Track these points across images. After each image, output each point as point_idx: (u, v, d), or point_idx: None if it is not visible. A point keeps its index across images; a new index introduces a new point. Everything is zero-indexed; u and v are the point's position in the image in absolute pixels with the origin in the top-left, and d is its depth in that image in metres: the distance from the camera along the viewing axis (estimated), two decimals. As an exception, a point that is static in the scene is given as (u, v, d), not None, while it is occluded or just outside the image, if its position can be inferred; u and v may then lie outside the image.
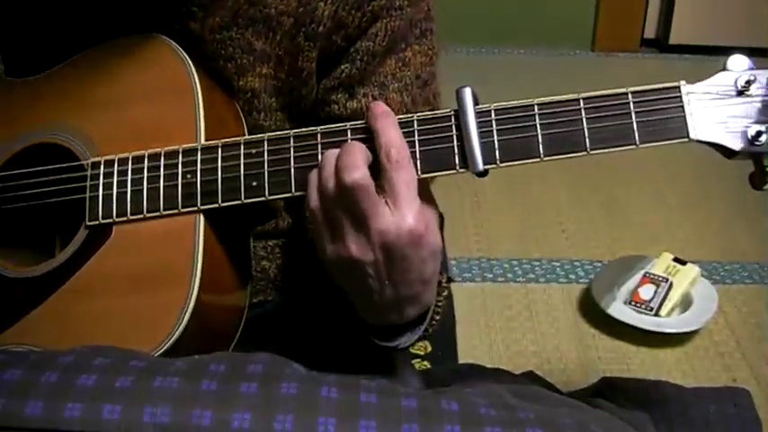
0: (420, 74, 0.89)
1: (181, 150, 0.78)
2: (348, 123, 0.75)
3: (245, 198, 0.77)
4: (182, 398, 0.62)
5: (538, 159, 0.73)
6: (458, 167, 0.73)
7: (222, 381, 0.64)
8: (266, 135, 0.77)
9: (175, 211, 0.78)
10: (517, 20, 2.79)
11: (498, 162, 0.72)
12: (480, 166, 0.72)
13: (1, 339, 0.79)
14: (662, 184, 2.04)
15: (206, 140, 0.78)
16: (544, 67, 2.69)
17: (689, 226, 1.91)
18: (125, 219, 0.78)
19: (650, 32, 2.82)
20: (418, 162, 0.73)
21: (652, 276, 1.61)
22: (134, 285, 0.77)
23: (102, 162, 0.80)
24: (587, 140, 0.72)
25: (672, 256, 1.65)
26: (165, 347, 0.74)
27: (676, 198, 2.01)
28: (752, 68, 0.72)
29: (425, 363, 1.46)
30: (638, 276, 1.63)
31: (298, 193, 0.75)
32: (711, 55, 2.69)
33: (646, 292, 1.59)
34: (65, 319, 0.78)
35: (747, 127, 0.71)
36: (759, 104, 0.71)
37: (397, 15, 0.86)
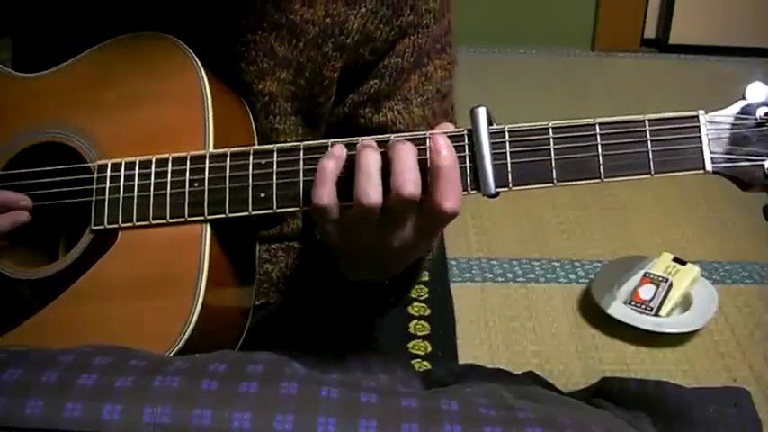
0: (440, 88, 0.91)
1: (189, 157, 0.77)
2: (359, 138, 0.74)
3: (253, 210, 0.76)
4: (182, 397, 0.62)
5: (551, 185, 0.72)
6: (469, 189, 0.72)
7: (222, 380, 0.64)
8: (276, 146, 0.76)
9: (182, 219, 0.77)
10: (517, 20, 2.79)
11: (510, 185, 0.72)
12: (492, 190, 0.71)
13: (2, 341, 0.79)
14: (662, 183, 2.04)
15: (214, 144, 0.78)
16: (544, 67, 2.68)
17: (689, 226, 1.91)
18: (131, 224, 0.78)
19: (650, 32, 2.82)
20: None
21: (652, 276, 1.61)
22: (139, 292, 0.76)
23: (109, 165, 0.79)
24: (602, 168, 0.71)
25: (672, 256, 1.65)
26: (171, 354, 0.73)
27: (676, 198, 2.01)
28: None
29: (425, 363, 1.46)
30: (638, 276, 1.63)
31: (306, 208, 0.74)
32: (711, 55, 2.69)
33: (646, 292, 1.59)
34: (67, 323, 0.78)
35: (764, 160, 0.70)
36: None
37: (423, 33, 0.87)
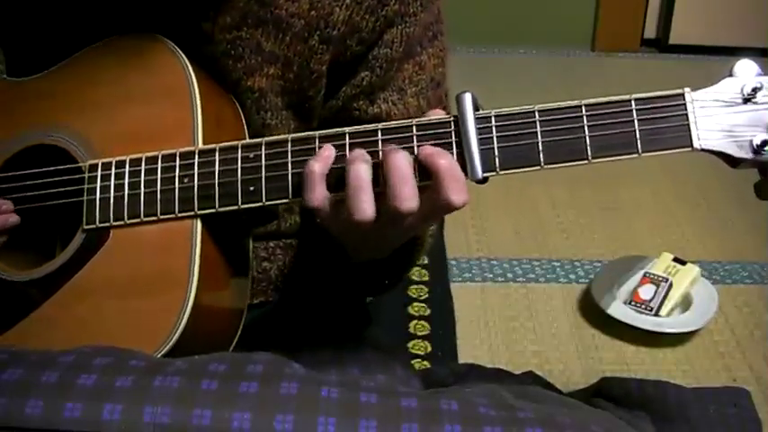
0: (434, 76, 0.91)
1: (178, 154, 0.78)
2: (347, 128, 0.74)
3: (243, 203, 0.76)
4: (182, 398, 0.62)
5: (538, 167, 0.72)
6: None
7: (222, 380, 0.64)
8: (264, 139, 0.76)
9: (172, 215, 0.77)
10: (517, 20, 2.79)
11: (498, 170, 0.72)
12: (480, 174, 0.71)
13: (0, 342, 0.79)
14: (662, 183, 2.04)
15: (204, 142, 0.78)
16: (544, 67, 2.69)
17: (689, 226, 1.91)
18: (122, 223, 0.78)
19: (650, 32, 2.82)
20: (416, 169, 0.72)
21: (652, 276, 1.61)
22: (132, 289, 0.77)
23: (100, 165, 0.80)
24: (589, 149, 0.71)
25: (672, 256, 1.65)
26: (164, 351, 0.74)
27: (676, 198, 2.01)
28: (760, 75, 0.70)
29: (425, 363, 1.46)
30: (638, 276, 1.63)
31: (295, 199, 0.75)
32: (711, 55, 2.69)
33: (646, 292, 1.59)
34: (63, 323, 0.78)
35: (753, 136, 0.69)
36: (765, 112, 0.69)
37: (411, 21, 0.87)
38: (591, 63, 2.77)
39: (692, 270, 1.63)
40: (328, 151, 0.73)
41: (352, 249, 0.81)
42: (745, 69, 0.71)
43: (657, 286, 1.59)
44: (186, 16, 0.83)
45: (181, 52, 0.81)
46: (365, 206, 0.70)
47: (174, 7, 0.83)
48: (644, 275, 1.62)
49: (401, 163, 0.70)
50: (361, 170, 0.70)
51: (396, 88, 0.89)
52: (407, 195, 0.69)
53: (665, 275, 1.60)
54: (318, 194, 0.72)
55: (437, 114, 0.74)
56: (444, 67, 0.92)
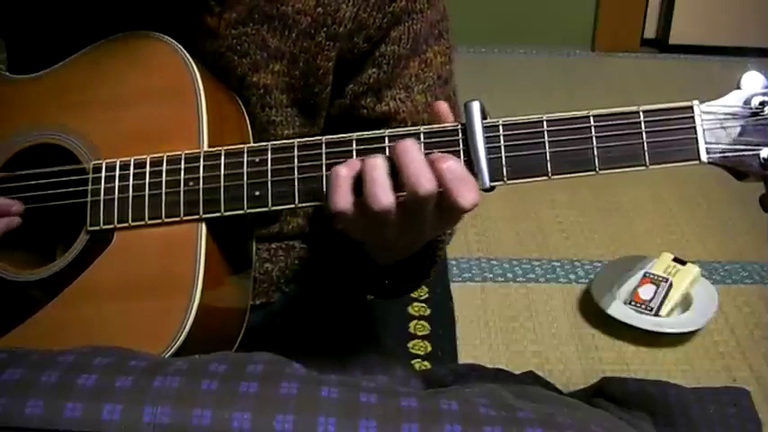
0: (441, 73, 0.91)
1: (183, 157, 0.77)
2: (354, 134, 0.74)
3: (248, 208, 0.76)
4: (182, 398, 0.62)
5: (545, 178, 0.72)
6: None
7: (222, 380, 0.64)
8: (270, 143, 0.76)
9: (177, 218, 0.77)
10: (517, 20, 2.79)
11: (505, 179, 0.72)
12: (487, 183, 0.71)
13: (2, 343, 0.79)
14: (662, 183, 2.04)
15: (209, 141, 0.78)
16: (544, 67, 2.69)
17: (689, 226, 1.91)
18: (126, 225, 0.78)
19: (650, 32, 2.82)
20: None
21: (652, 276, 1.61)
22: (136, 292, 0.77)
23: (104, 166, 0.79)
24: (596, 160, 0.71)
25: (672, 256, 1.65)
26: (169, 353, 0.74)
27: (676, 198, 2.01)
28: (767, 87, 0.70)
29: (425, 363, 1.46)
30: (638, 276, 1.63)
31: (301, 205, 0.75)
32: (711, 55, 2.69)
33: (646, 292, 1.59)
34: (64, 325, 0.78)
35: (759, 149, 0.69)
36: None
37: (418, 19, 0.87)
38: (591, 63, 2.77)
39: (692, 270, 1.63)
40: (357, 161, 0.72)
41: (375, 253, 0.81)
42: (753, 82, 0.70)
43: (657, 286, 1.59)
44: (190, 11, 0.83)
45: (184, 51, 0.80)
46: (381, 194, 0.70)
47: (178, 2, 0.83)
48: (644, 275, 1.62)
49: (408, 144, 0.70)
50: (375, 161, 0.70)
51: (402, 86, 0.89)
52: (423, 175, 0.69)
53: (665, 275, 1.60)
54: (343, 198, 0.71)
55: (442, 107, 0.74)
56: (451, 64, 0.92)
